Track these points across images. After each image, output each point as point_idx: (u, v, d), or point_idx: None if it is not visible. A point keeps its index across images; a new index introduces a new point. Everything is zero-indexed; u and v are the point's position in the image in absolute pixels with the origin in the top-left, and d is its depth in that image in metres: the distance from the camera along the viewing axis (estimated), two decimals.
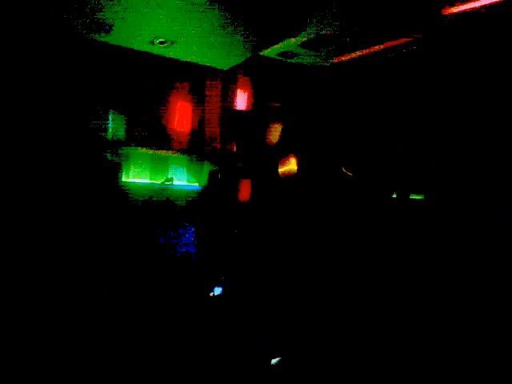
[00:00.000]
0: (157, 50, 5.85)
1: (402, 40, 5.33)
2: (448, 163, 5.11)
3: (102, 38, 5.47)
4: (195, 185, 6.69)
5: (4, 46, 4.83)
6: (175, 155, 6.51)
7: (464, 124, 4.96)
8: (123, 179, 6.02)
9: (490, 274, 4.14)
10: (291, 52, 6.12)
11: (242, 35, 5.24)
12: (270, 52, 6.17)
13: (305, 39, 5.55)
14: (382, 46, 5.62)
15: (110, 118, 5.91)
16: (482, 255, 4.35)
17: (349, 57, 6.08)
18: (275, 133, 6.61)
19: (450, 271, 4.39)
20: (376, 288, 4.35)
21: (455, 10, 4.53)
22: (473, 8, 4.44)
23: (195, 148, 6.67)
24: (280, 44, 5.77)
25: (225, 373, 2.61)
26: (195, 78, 6.55)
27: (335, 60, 6.21)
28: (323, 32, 5.25)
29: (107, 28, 5.16)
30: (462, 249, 4.59)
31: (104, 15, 4.78)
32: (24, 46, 5.04)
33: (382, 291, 4.28)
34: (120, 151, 5.99)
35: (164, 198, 6.17)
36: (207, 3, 4.37)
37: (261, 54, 6.21)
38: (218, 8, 4.50)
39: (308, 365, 2.80)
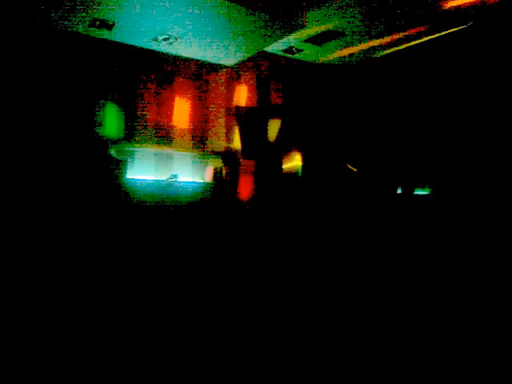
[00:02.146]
0: (160, 46, 5.83)
1: (401, 35, 5.25)
2: (451, 158, 5.06)
3: (105, 35, 5.46)
4: (200, 181, 6.70)
5: (4, 45, 4.85)
6: (179, 152, 6.51)
7: (465, 119, 4.90)
8: (128, 176, 6.04)
9: (491, 271, 4.11)
10: (295, 48, 6.07)
11: (247, 31, 5.20)
12: (274, 48, 6.12)
13: (309, 35, 5.50)
14: (383, 41, 5.55)
15: (114, 117, 5.92)
16: (483, 252, 4.32)
17: (351, 52, 6.02)
18: (277, 129, 6.59)
19: (452, 270, 4.37)
20: (377, 286, 4.33)
21: (453, 3, 4.43)
22: (469, 2, 4.34)
23: (199, 144, 6.67)
24: (284, 39, 5.71)
25: (225, 373, 2.63)
26: (199, 74, 6.53)
27: (336, 55, 6.14)
28: (327, 27, 5.21)
29: (110, 25, 5.15)
30: (465, 246, 4.55)
31: (106, 12, 4.77)
32: (24, 45, 5.05)
33: (382, 289, 4.27)
34: (124, 148, 6.01)
35: (169, 195, 6.18)
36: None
37: (265, 50, 6.16)
38: (224, 4, 4.47)
39: (308, 365, 2.81)
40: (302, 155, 6.69)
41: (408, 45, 5.49)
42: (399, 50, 5.65)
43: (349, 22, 5.03)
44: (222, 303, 3.70)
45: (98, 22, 5.18)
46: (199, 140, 6.65)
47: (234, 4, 4.52)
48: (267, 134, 6.67)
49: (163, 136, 6.36)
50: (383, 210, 5.93)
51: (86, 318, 3.18)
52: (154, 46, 5.85)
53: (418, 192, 6.16)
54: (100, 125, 5.81)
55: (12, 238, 4.22)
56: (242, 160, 6.67)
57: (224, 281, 4.25)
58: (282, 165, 6.76)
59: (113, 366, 2.54)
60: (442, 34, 5.07)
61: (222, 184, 6.63)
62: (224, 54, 6.06)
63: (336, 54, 6.14)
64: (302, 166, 6.70)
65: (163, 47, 5.88)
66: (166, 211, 5.94)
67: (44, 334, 2.87)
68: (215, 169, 6.68)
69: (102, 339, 2.87)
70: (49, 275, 3.84)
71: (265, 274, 4.56)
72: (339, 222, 5.78)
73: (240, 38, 5.48)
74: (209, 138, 6.74)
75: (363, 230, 5.55)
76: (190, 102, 6.53)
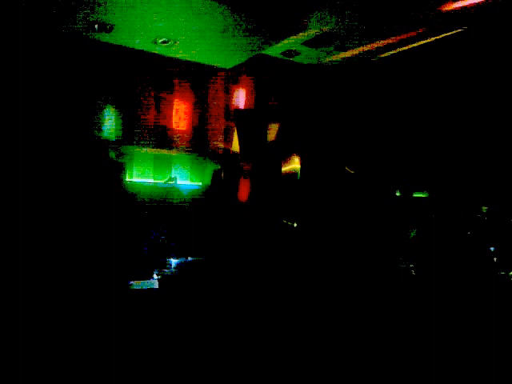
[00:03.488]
0: (159, 49, 5.84)
1: (401, 37, 5.28)
2: (451, 160, 5.07)
3: (104, 38, 5.47)
4: (198, 184, 6.69)
5: (4, 46, 4.85)
6: (178, 155, 6.51)
7: (466, 121, 4.91)
8: (127, 179, 6.03)
9: (493, 276, 4.11)
10: (294, 50, 6.09)
11: (245, 34, 5.21)
12: (272, 51, 6.14)
13: (307, 37, 5.52)
14: (382, 43, 5.57)
15: (114, 119, 5.92)
16: (483, 256, 4.32)
17: (349, 54, 6.04)
18: (276, 132, 6.59)
19: (453, 271, 4.36)
20: (376, 287, 4.32)
21: (453, 6, 4.46)
22: (470, 4, 4.37)
23: (198, 147, 6.66)
24: (283, 42, 5.73)
25: (225, 373, 2.61)
26: (197, 77, 6.54)
27: (334, 58, 6.17)
28: (325, 29, 5.23)
29: (108, 28, 5.15)
30: (465, 248, 4.55)
31: (105, 15, 4.78)
32: (26, 47, 5.05)
33: (382, 290, 4.26)
34: (123, 151, 6.00)
35: (167, 197, 6.18)
36: (210, 3, 4.36)
37: (264, 52, 6.18)
38: (222, 7, 4.49)
39: (308, 365, 2.79)
40: (300, 158, 6.69)
41: (409, 47, 5.52)
42: (400, 52, 5.67)
43: (347, 25, 5.06)
44: (222, 303, 3.68)
45: (96, 26, 5.19)
46: (198, 143, 6.65)
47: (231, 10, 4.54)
48: (266, 136, 6.67)
49: (162, 138, 6.36)
50: (382, 213, 5.93)
51: (86, 318, 3.16)
52: (153, 49, 5.87)
53: (417, 195, 6.17)
54: (99, 127, 5.81)
55: (12, 241, 4.21)
56: (240, 163, 6.67)
57: (223, 281, 4.24)
58: (280, 168, 6.76)
59: (113, 366, 2.52)
60: (440, 36, 5.10)
61: (221, 187, 6.62)
62: (223, 56, 6.09)
63: (335, 56, 6.17)
64: (301, 168, 6.71)
65: (162, 50, 5.89)
66: (165, 213, 5.93)
67: (44, 334, 2.84)
68: (214, 171, 6.68)
69: (102, 339, 2.85)
70: (49, 276, 3.83)
71: (265, 274, 4.54)
72: (338, 224, 5.78)
73: (238, 41, 5.50)
74: (207, 141, 6.74)
75: (362, 231, 5.55)
76: (188, 104, 6.54)
